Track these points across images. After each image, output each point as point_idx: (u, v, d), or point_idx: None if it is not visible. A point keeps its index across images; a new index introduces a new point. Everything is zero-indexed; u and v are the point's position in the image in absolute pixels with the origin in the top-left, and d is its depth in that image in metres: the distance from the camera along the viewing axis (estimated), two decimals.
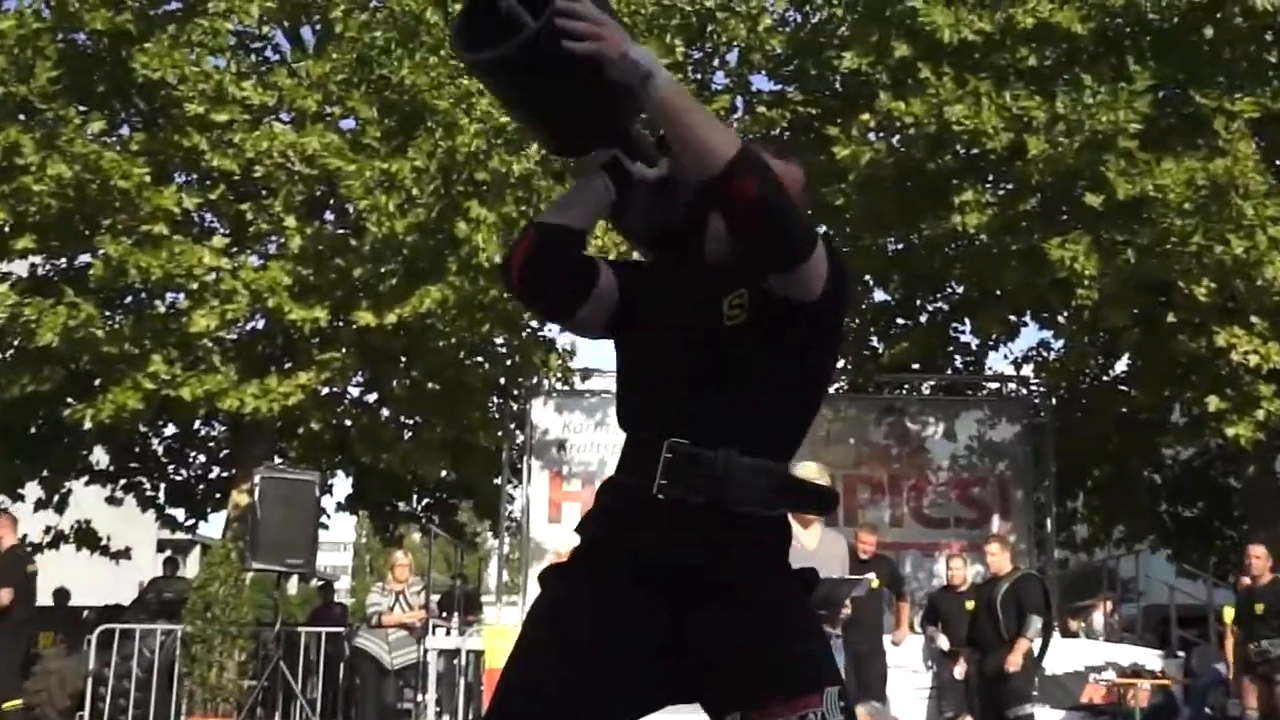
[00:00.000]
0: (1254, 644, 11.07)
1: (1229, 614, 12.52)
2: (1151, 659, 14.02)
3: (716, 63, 15.34)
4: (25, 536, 13.88)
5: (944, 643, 11.99)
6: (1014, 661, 10.48)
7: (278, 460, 14.32)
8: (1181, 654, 15.12)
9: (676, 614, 2.71)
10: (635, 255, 3.14)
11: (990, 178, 13.80)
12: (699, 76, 14.92)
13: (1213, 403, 12.88)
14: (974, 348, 16.80)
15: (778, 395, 2.82)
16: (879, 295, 16.85)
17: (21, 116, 13.11)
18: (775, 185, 2.60)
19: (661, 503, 2.70)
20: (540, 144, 2.92)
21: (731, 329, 2.78)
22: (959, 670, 11.51)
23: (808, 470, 6.99)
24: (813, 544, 7.10)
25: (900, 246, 15.13)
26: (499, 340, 15.14)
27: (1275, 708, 10.86)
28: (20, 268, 15.00)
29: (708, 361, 2.80)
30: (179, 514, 18.48)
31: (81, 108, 13.44)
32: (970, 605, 11.34)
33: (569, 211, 2.91)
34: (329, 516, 17.15)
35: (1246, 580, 12.52)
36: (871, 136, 13.59)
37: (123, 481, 17.69)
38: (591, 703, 2.69)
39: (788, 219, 2.61)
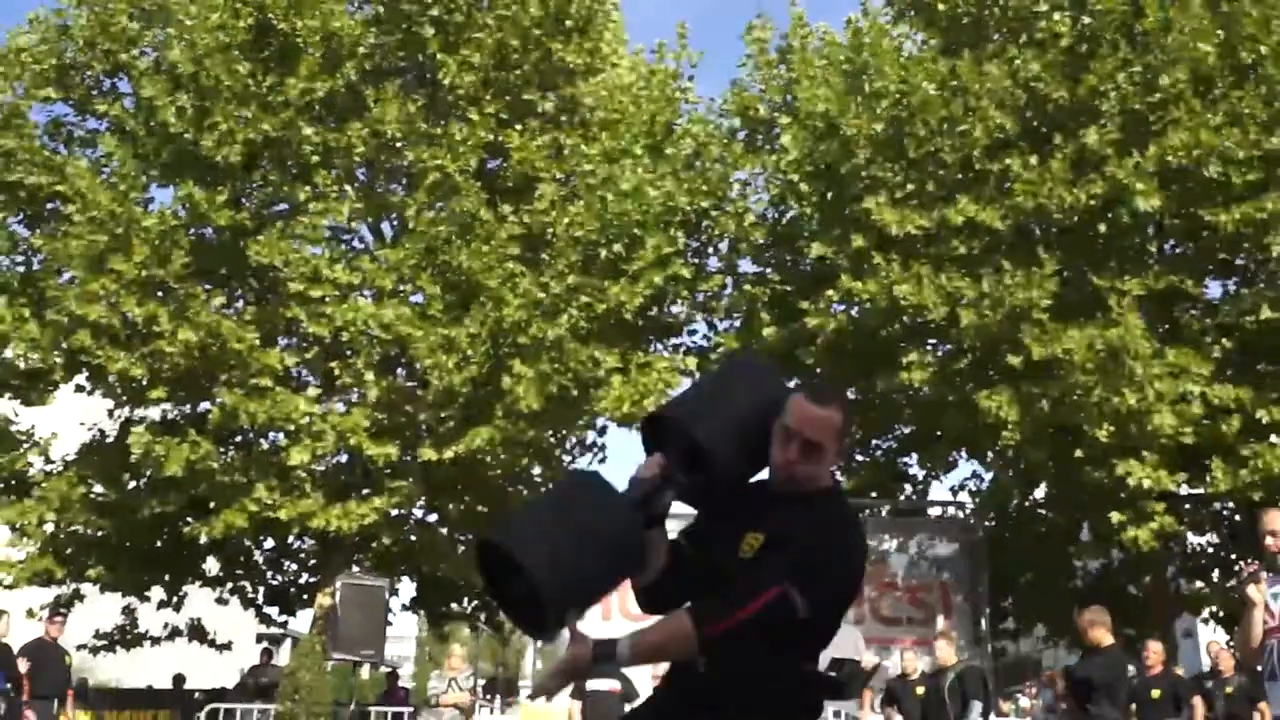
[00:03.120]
0: None
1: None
2: None
3: (710, 250, 15.51)
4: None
5: None
6: None
7: (355, 569, 14.15)
8: None
9: None
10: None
11: (931, 342, 13.85)
12: (696, 261, 15.06)
13: (1115, 516, 12.75)
14: (919, 478, 16.69)
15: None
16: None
17: (160, 294, 13.25)
18: (741, 620, 2.60)
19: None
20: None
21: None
22: None
23: None
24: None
25: (858, 397, 15.11)
26: (536, 471, 15.09)
27: None
28: (154, 413, 15.03)
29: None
30: (274, 612, 18.22)
31: (206, 286, 13.60)
32: (920, 691, 11.08)
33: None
34: (395, 615, 16.89)
35: (1131, 669, 12.26)
36: (835, 309, 13.65)
37: (229, 585, 17.50)
38: None
39: (766, 625, 2.60)
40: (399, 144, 14.00)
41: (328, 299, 13.55)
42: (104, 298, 12.91)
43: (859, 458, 16.89)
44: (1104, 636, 9.29)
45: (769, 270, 15.47)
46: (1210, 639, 16.47)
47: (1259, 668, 5.28)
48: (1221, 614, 14.89)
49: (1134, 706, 11.16)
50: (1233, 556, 14.89)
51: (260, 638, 19.61)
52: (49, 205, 14.44)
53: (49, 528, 14.65)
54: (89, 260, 13.00)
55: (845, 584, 2.79)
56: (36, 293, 13.75)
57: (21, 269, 14.33)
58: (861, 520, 15.19)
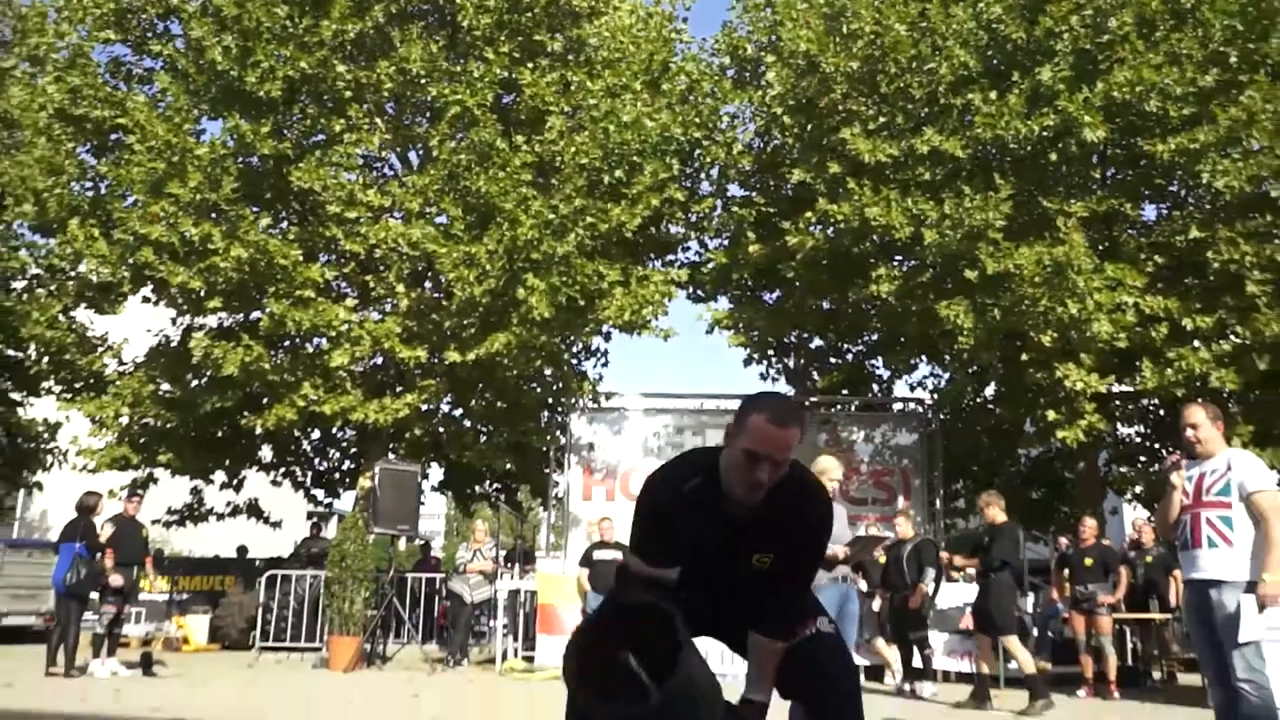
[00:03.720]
0: (1080, 587, 10.96)
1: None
2: None
3: (702, 176, 15.35)
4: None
5: (864, 585, 11.88)
6: (915, 600, 10.43)
7: (391, 456, 14.28)
8: (1031, 595, 15.02)
9: None
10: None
11: (897, 258, 13.77)
12: (689, 186, 14.93)
13: (1051, 415, 12.84)
14: (885, 378, 16.76)
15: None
16: (817, 342, 16.80)
17: (213, 215, 13.17)
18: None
19: None
20: None
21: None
22: (876, 604, 11.42)
23: (825, 463, 6.94)
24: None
25: (832, 307, 15.11)
26: (547, 372, 15.15)
27: (1093, 632, 10.75)
28: (211, 321, 15.06)
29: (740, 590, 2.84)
30: (320, 493, 18.49)
31: (254, 208, 13.51)
32: (882, 559, 11.26)
33: None
34: (426, 495, 17.10)
35: (1065, 541, 12.47)
36: (813, 229, 13.56)
37: (281, 470, 17.72)
38: None
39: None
40: (423, 80, 13.80)
41: (362, 220, 13.49)
42: (164, 219, 12.86)
43: (833, 359, 16.96)
44: (998, 515, 9.51)
45: (754, 194, 15.31)
46: (1135, 516, 16.72)
47: (1175, 540, 5.36)
48: (1144, 495, 15.08)
49: (1068, 572, 11.39)
50: (1156, 446, 15.03)
51: (310, 515, 19.87)
52: (113, 136, 14.29)
53: (124, 420, 14.79)
54: (149, 185, 12.92)
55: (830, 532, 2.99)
56: (105, 215, 13.68)
57: (90, 194, 14.22)
58: (834, 413, 15.41)
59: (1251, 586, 4.85)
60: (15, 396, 18.04)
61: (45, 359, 15.26)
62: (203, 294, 13.42)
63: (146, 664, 10.74)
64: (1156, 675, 11.62)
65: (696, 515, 2.70)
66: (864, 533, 10.66)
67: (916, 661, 10.58)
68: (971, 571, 10.57)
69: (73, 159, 14.07)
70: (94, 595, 11.01)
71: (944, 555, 9.85)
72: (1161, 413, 14.49)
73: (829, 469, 6.86)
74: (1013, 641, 9.20)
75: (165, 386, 14.99)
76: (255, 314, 14.35)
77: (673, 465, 2.90)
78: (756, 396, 2.76)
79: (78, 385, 15.50)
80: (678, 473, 2.82)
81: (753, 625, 2.82)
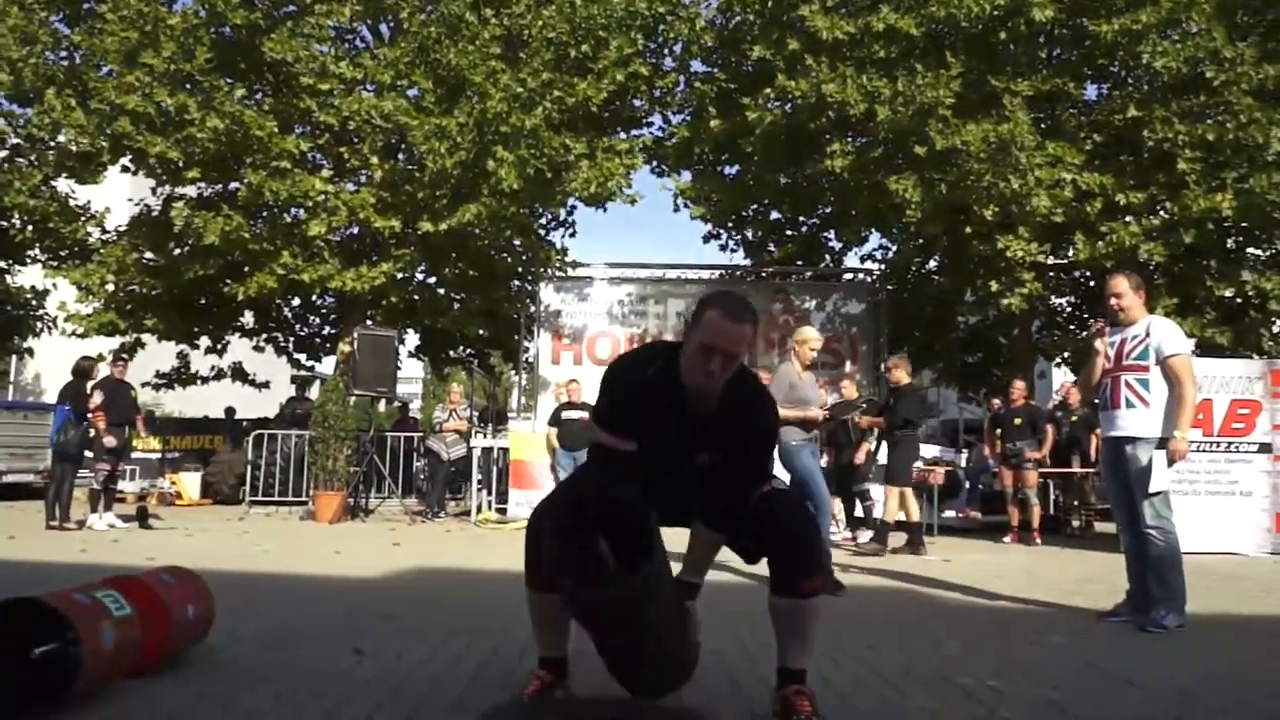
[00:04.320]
0: (1009, 444, 11.27)
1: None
2: (946, 454, 14.30)
3: (666, 51, 14.91)
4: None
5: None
6: (859, 457, 10.67)
7: (369, 322, 14.21)
8: (964, 451, 15.43)
9: None
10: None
11: (850, 134, 13.60)
12: (654, 61, 14.53)
13: (993, 285, 12.95)
14: (836, 249, 16.74)
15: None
16: (774, 214, 16.69)
17: (188, 86, 12.71)
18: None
19: None
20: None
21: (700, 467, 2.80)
22: (823, 460, 11.65)
23: (808, 333, 6.98)
24: (809, 378, 7.04)
25: (788, 181, 14.95)
26: (517, 242, 15.01)
27: (1019, 485, 11.11)
28: (191, 191, 14.69)
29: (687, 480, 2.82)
30: (302, 358, 18.43)
31: (228, 79, 13.03)
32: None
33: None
34: (404, 360, 17.08)
35: (997, 402, 12.76)
36: (772, 105, 13.32)
37: (264, 336, 17.60)
38: None
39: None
40: None
41: (335, 92, 13.09)
42: (139, 89, 12.41)
43: (788, 232, 16.89)
44: (903, 377, 9.66)
45: (716, 70, 14.94)
46: (1063, 380, 17.08)
47: (1095, 401, 5.49)
48: (1072, 360, 15.37)
49: (999, 431, 11.68)
50: (1086, 315, 15.25)
51: (294, 378, 19.84)
52: (85, 5, 13.65)
53: (109, 287, 14.56)
54: (123, 55, 12.42)
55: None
56: (80, 84, 13.14)
57: (65, 63, 13.62)
58: (788, 283, 15.44)
59: (1163, 443, 5.00)
60: (2, 265, 17.66)
61: (30, 228, 14.89)
62: (181, 164, 13.04)
63: (143, 517, 10.84)
64: (1075, 524, 12.06)
65: (655, 397, 2.78)
66: (839, 397, 10.74)
67: (858, 512, 10.89)
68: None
69: (46, 28, 13.43)
70: (88, 454, 11.01)
71: (856, 416, 9.94)
72: (1092, 284, 14.64)
73: (810, 339, 6.91)
74: (908, 493, 9.45)
75: (148, 255, 14.72)
76: (233, 184, 14.02)
77: (638, 350, 3.03)
78: (713, 294, 2.84)
79: (63, 253, 15.18)
80: (643, 356, 2.95)
81: (697, 517, 2.94)
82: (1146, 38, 11.65)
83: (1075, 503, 12.27)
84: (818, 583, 2.80)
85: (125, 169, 14.51)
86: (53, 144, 14.16)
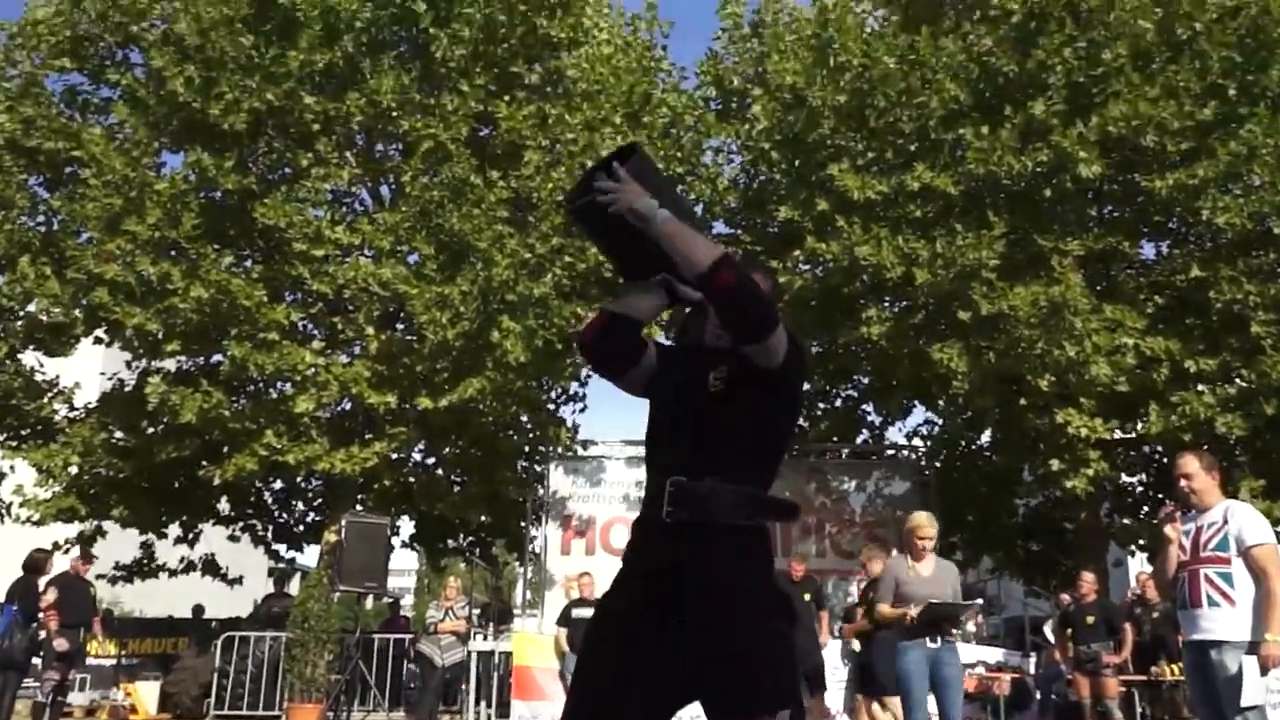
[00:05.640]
0: (1083, 647, 10.95)
1: (1048, 628, 12.29)
2: (1011, 658, 13.91)
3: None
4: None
5: (856, 645, 11.84)
6: None
7: (359, 508, 14.22)
8: (1033, 654, 15.00)
9: (680, 619, 2.65)
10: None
11: (888, 299, 13.89)
12: None
13: (1054, 464, 12.90)
14: (877, 424, 16.81)
15: (750, 440, 2.83)
16: (805, 386, 16.85)
17: (172, 253, 13.18)
18: (747, 278, 2.70)
19: (670, 525, 2.72)
20: (619, 274, 2.99)
21: (714, 395, 2.82)
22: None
23: (918, 519, 6.98)
24: (928, 571, 6.93)
25: (821, 349, 15.19)
26: (524, 419, 15.13)
27: (1098, 695, 10.74)
28: (169, 364, 15.00)
29: (698, 418, 2.82)
30: (282, 549, 18.32)
31: (216, 246, 13.50)
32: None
33: (634, 307, 2.92)
34: (396, 550, 16.98)
35: (1066, 597, 12.44)
36: (801, 268, 13.68)
37: (241, 524, 17.57)
38: (632, 694, 2.64)
39: (755, 301, 2.70)
40: (395, 113, 13.86)
41: (330, 258, 13.51)
42: (120, 257, 12.84)
43: (821, 405, 17.02)
44: (878, 568, 9.46)
45: (740, 231, 15.43)
46: (1139, 570, 16.76)
47: (1173, 599, 5.40)
48: (1148, 547, 15.12)
49: (1069, 631, 11.38)
50: (1160, 495, 15.10)
51: (271, 571, 19.70)
52: (67, 169, 14.28)
53: (73, 470, 14.65)
54: (105, 221, 12.91)
55: (802, 364, 2.99)
56: (57, 252, 13.66)
57: (43, 229, 14.21)
58: (824, 461, 15.44)
59: (1254, 647, 4.89)
60: None
61: None
62: (160, 336, 13.36)
63: None
64: None
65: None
66: (854, 590, 10.58)
67: None
68: (971, 629, 10.51)
69: (24, 192, 14.05)
70: (36, 661, 10.87)
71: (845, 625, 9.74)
72: (1165, 460, 14.57)
73: (918, 525, 6.90)
74: (895, 702, 9.16)
75: (118, 434, 14.88)
76: (216, 357, 14.30)
77: None
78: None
79: (24, 432, 15.38)
80: None
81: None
82: (1205, 193, 12.00)
83: (1165, 716, 11.83)
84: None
85: (99, 340, 14.86)
86: (22, 314, 14.59)
